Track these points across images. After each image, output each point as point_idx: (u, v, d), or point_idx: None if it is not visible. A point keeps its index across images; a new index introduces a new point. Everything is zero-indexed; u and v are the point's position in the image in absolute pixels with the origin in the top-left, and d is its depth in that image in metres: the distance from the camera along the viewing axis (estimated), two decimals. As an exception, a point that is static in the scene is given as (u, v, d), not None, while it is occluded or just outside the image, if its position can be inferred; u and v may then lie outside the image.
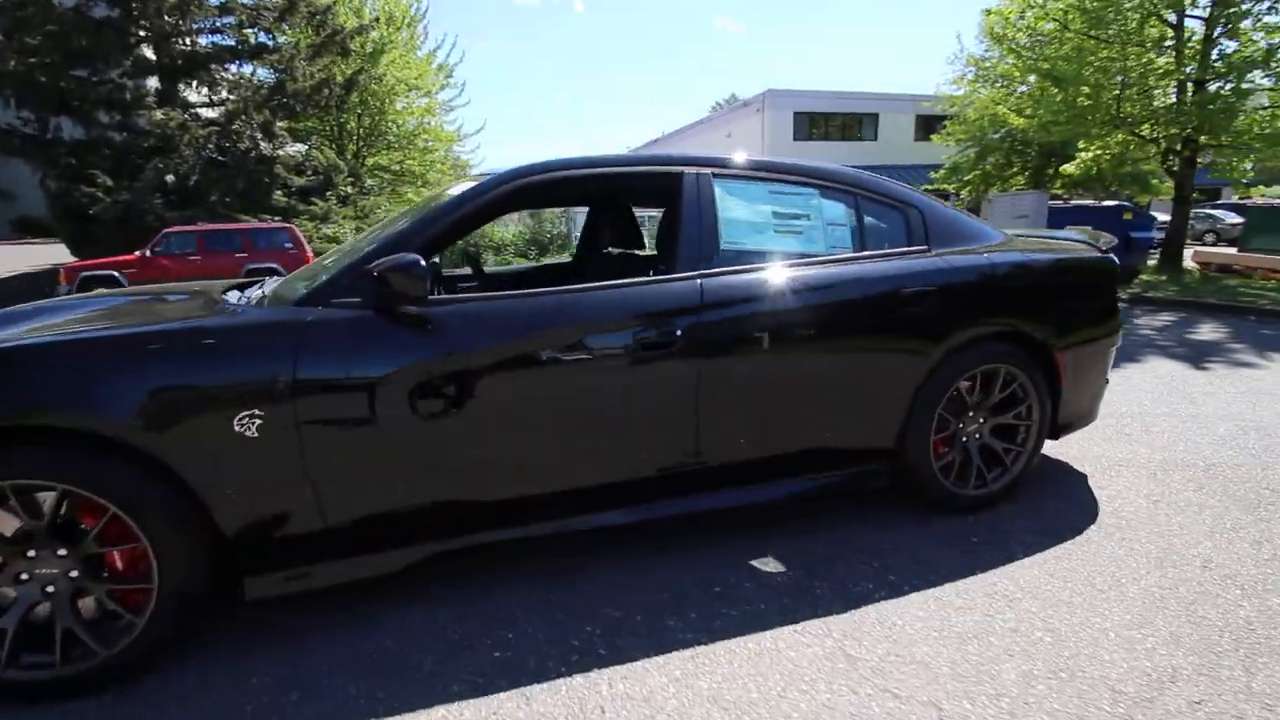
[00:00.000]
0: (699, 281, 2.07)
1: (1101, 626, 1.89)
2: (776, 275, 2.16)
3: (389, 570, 1.89)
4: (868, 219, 2.40)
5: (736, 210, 2.22)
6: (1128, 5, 10.82)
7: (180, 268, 11.13)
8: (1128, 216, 16.94)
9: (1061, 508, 2.64)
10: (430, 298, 1.79)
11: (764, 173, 2.30)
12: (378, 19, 18.56)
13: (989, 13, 14.05)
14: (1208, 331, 6.82)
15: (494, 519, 1.98)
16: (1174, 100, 11.51)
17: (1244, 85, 10.40)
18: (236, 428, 1.65)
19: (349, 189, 18.03)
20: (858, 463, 2.37)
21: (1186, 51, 11.03)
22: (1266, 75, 10.57)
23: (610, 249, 3.24)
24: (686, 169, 2.20)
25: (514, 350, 1.90)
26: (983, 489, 2.55)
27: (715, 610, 1.97)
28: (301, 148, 18.44)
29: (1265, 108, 10.81)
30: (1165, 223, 15.32)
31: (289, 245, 12.22)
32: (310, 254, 12.54)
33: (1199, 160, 12.36)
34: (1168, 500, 2.70)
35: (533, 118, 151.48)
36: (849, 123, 27.86)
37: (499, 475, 1.96)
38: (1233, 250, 13.78)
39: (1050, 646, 1.80)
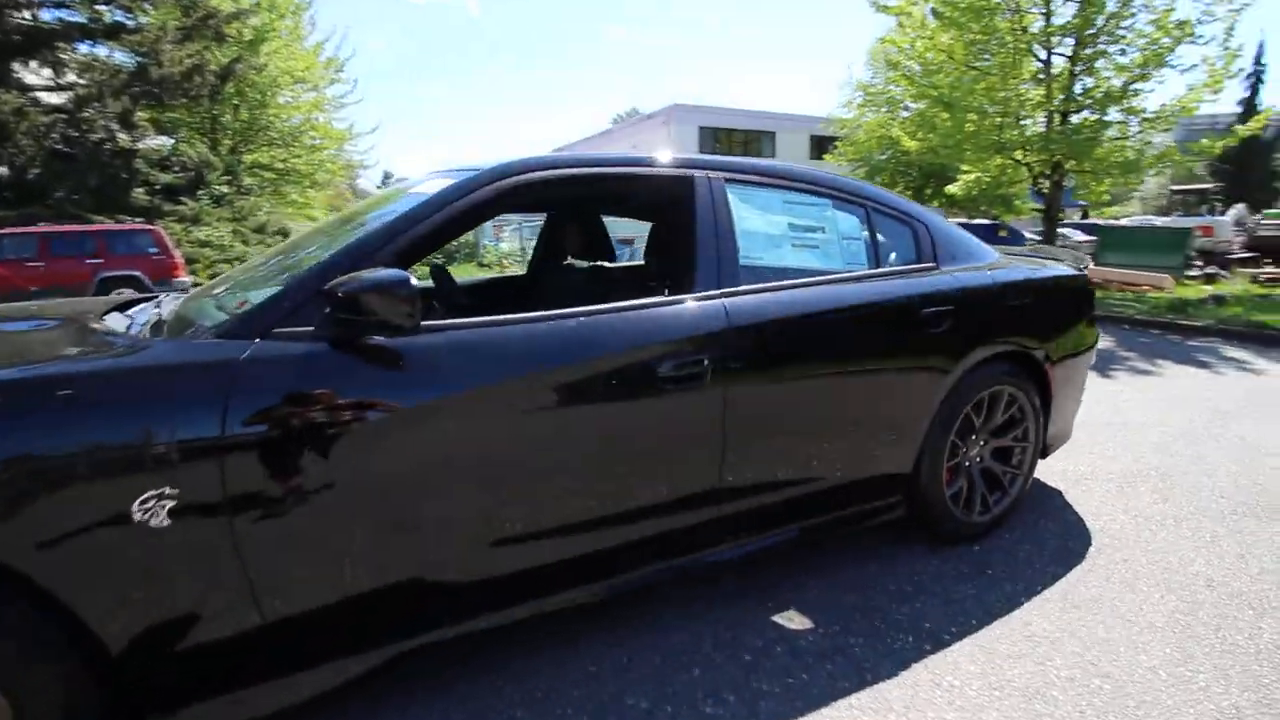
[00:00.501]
0: (722, 302, 1.80)
1: (1149, 665, 1.79)
2: (804, 295, 1.94)
3: (356, 675, 1.46)
4: (879, 233, 2.23)
5: (752, 221, 1.98)
6: (1009, 39, 11.79)
7: (17, 276, 9.49)
8: (1003, 234, 18.55)
9: (1054, 529, 2.59)
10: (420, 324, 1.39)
11: (778, 179, 2.07)
12: (258, 4, 16.98)
13: (883, 40, 14.92)
14: (1096, 341, 7.40)
15: (486, 599, 1.60)
16: (1044, 129, 12.66)
17: (1105, 118, 11.57)
18: (138, 514, 1.19)
19: (224, 188, 16.34)
20: (876, 495, 2.18)
21: (1054, 86, 12.15)
22: (1120, 110, 11.86)
23: (575, 261, 2.91)
24: (698, 172, 1.92)
25: (522, 390, 1.54)
26: (986, 515, 2.45)
27: (755, 688, 1.69)
28: (168, 141, 16.51)
29: (1118, 139, 12.11)
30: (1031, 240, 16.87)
31: (153, 250, 10.77)
32: (179, 260, 11.15)
33: (1064, 184, 13.68)
34: (1144, 514, 2.72)
35: (427, 120, 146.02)
36: (750, 139, 28.78)
37: (497, 545, 1.58)
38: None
39: (1112, 696, 1.67)
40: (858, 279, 2.09)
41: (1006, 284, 2.36)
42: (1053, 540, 2.50)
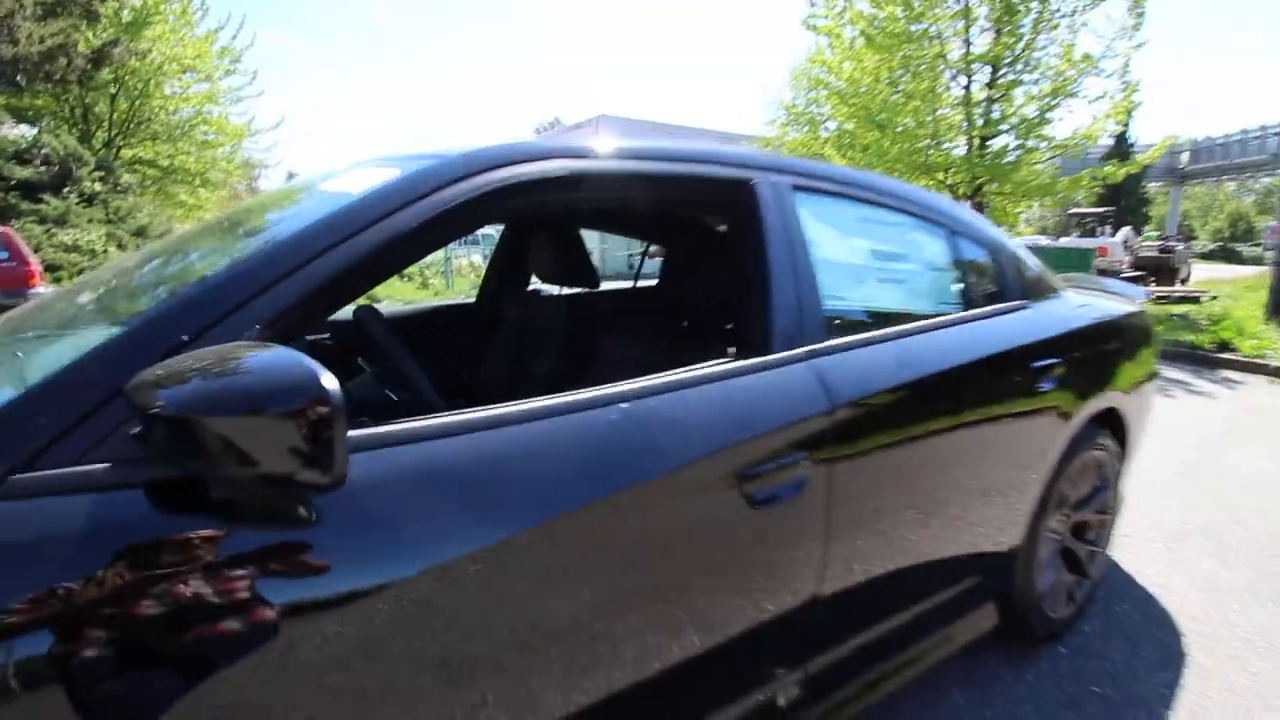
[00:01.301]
0: (811, 365, 1.22)
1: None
2: (910, 351, 1.39)
3: None
4: (965, 263, 1.73)
5: (829, 245, 1.42)
6: (933, 64, 12.08)
7: None
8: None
9: (1133, 615, 2.18)
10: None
11: (850, 187, 1.51)
12: (140, -18, 15.17)
13: (811, 60, 15.08)
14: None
15: None
16: (965, 152, 13.07)
17: (1027, 144, 12.04)
18: None
19: (96, 185, 14.37)
20: (974, 603, 1.67)
21: (973, 111, 12.56)
22: (1035, 137, 12.39)
23: (542, 287, 2.28)
24: (758, 174, 1.34)
25: (531, 554, 0.89)
26: (1071, 607, 2.01)
27: None
28: (28, 131, 14.42)
29: (1035, 164, 12.66)
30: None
31: (3, 256, 9.19)
32: (35, 266, 9.55)
33: (985, 204, 14.19)
34: (1213, 586, 2.37)
35: (328, 122, 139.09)
36: (676, 152, 28.73)
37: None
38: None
39: None
40: (958, 323, 1.58)
41: (1098, 325, 1.93)
42: (1138, 632, 2.08)
